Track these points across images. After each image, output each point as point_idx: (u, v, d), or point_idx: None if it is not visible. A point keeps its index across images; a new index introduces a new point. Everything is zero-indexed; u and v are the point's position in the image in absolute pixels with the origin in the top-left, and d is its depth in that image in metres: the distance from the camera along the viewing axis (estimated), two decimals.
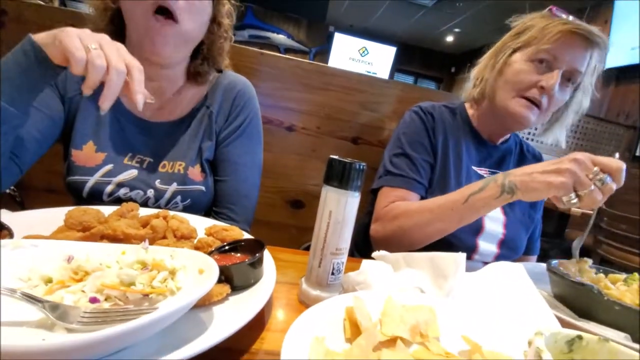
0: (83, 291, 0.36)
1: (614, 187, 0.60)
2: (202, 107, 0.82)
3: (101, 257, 0.40)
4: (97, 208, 0.53)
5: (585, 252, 0.66)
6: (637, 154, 2.90)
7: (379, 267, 0.54)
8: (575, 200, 0.60)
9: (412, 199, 0.85)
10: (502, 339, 0.40)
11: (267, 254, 0.52)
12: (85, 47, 0.49)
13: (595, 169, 0.60)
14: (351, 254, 0.52)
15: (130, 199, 0.73)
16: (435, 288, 0.52)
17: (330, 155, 0.48)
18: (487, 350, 0.38)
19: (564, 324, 0.50)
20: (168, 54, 0.70)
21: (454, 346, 0.40)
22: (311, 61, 1.46)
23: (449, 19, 5.72)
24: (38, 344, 0.25)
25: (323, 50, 6.64)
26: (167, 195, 0.75)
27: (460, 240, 0.80)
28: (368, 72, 6.52)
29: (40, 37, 0.54)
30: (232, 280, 0.44)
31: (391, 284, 0.51)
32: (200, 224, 0.58)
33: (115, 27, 0.73)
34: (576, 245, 0.67)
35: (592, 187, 0.59)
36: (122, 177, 0.74)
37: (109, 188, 0.73)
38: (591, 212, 0.69)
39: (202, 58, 0.80)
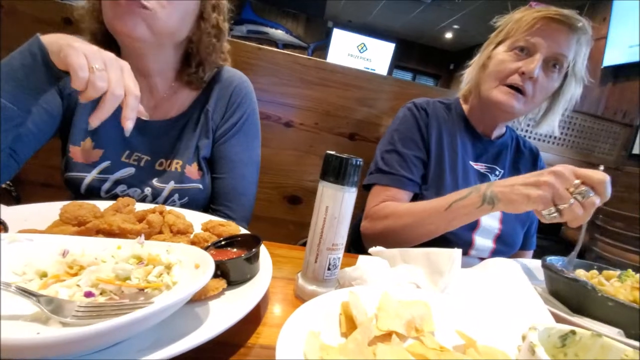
0: (78, 285, 0.36)
1: (597, 201, 0.58)
2: (198, 105, 0.80)
3: (97, 251, 0.40)
4: (92, 202, 0.52)
5: (581, 249, 0.66)
6: (634, 152, 2.92)
7: (375, 262, 0.54)
8: (555, 214, 0.59)
9: (402, 197, 0.86)
10: (497, 334, 0.41)
11: (263, 249, 0.52)
12: (89, 67, 0.49)
13: (576, 181, 0.58)
14: (347, 249, 0.52)
15: (128, 197, 0.73)
16: (431, 283, 0.52)
17: (327, 151, 0.48)
18: (481, 345, 0.38)
19: (558, 319, 0.50)
20: (140, 35, 0.65)
21: (448, 341, 0.40)
22: (309, 57, 1.45)
23: (448, 16, 5.70)
24: (33, 337, 0.25)
25: (321, 46, 6.61)
26: (165, 193, 0.75)
27: (456, 236, 0.81)
28: (366, 68, 6.50)
29: (47, 42, 0.54)
30: (228, 275, 0.44)
31: (387, 279, 0.51)
32: (197, 219, 0.58)
33: (103, 26, 0.71)
34: (571, 260, 0.67)
35: (572, 200, 0.58)
36: (119, 174, 0.73)
37: (106, 185, 0.73)
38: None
39: (195, 65, 0.78)
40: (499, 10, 0.90)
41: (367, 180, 0.92)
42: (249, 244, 0.51)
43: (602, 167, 0.61)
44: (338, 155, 0.46)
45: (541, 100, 0.87)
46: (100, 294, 0.36)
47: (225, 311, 0.38)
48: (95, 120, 0.51)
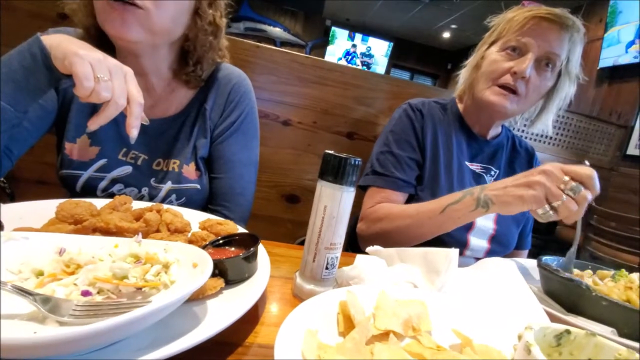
0: (75, 284, 0.35)
1: (589, 195, 0.59)
2: (196, 103, 0.79)
3: (93, 250, 0.40)
4: (89, 201, 0.52)
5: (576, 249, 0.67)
6: (629, 152, 2.95)
7: (372, 262, 0.54)
8: (551, 213, 0.60)
9: (397, 199, 0.87)
10: (493, 333, 0.41)
11: (261, 248, 0.52)
12: (94, 77, 0.50)
13: (566, 178, 0.59)
14: (344, 249, 0.52)
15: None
16: (428, 283, 0.52)
17: (325, 150, 0.48)
18: (477, 344, 0.38)
19: (553, 318, 0.51)
20: (134, 38, 0.64)
21: (445, 340, 0.40)
22: (307, 55, 1.45)
23: (446, 15, 5.71)
24: (29, 337, 0.25)
25: (319, 44, 6.59)
26: (162, 193, 0.74)
27: (451, 236, 0.81)
28: (364, 65, 6.51)
29: (50, 45, 0.53)
30: (226, 274, 0.44)
31: (384, 278, 0.51)
32: (195, 218, 0.58)
33: (97, 21, 0.70)
34: (568, 261, 0.67)
35: (565, 197, 0.58)
36: (116, 173, 0.73)
37: (103, 184, 0.72)
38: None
39: (193, 62, 0.76)
40: (497, 10, 0.90)
41: (362, 181, 0.92)
42: (247, 243, 0.51)
43: (587, 163, 0.62)
44: (337, 154, 0.46)
45: (535, 99, 0.87)
46: (98, 292, 0.36)
47: (223, 310, 0.38)
48: (94, 125, 0.51)
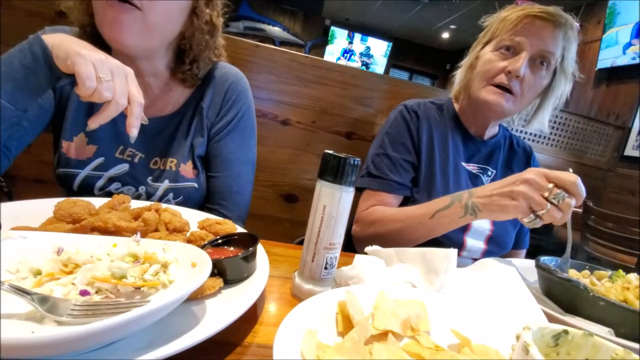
0: (73, 284, 0.35)
1: (573, 202, 0.59)
2: (193, 102, 0.79)
3: (92, 249, 0.40)
4: (87, 200, 0.52)
5: (572, 249, 0.67)
6: (626, 153, 2.96)
7: (371, 261, 0.54)
8: (536, 220, 0.60)
9: (392, 202, 0.87)
10: (491, 333, 0.41)
11: (260, 248, 0.52)
12: (97, 77, 0.50)
13: (550, 185, 0.59)
14: (344, 248, 0.52)
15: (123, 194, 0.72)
16: (427, 283, 0.52)
17: (324, 149, 0.48)
18: (476, 344, 0.38)
19: (551, 318, 0.51)
20: (130, 42, 0.64)
21: (443, 340, 0.41)
22: (306, 55, 1.45)
23: (445, 16, 5.72)
24: (27, 336, 0.25)
25: (318, 44, 6.59)
26: (159, 192, 0.74)
27: (447, 237, 0.81)
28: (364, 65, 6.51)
29: (51, 44, 0.53)
30: (225, 274, 0.44)
31: (383, 278, 0.51)
32: (193, 217, 0.58)
33: (94, 19, 0.70)
34: (563, 263, 0.67)
35: (549, 206, 0.58)
36: (113, 171, 0.73)
37: (100, 182, 0.72)
38: (579, 210, 0.69)
39: (189, 61, 0.76)
40: (495, 10, 0.90)
41: (357, 183, 0.92)
42: (246, 242, 0.51)
43: (570, 170, 0.62)
44: (336, 154, 0.46)
45: (531, 98, 0.87)
46: (96, 292, 0.35)
47: (222, 310, 0.38)
48: (94, 124, 0.52)
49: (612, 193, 2.72)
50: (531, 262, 0.67)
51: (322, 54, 6.64)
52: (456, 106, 0.98)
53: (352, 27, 6.81)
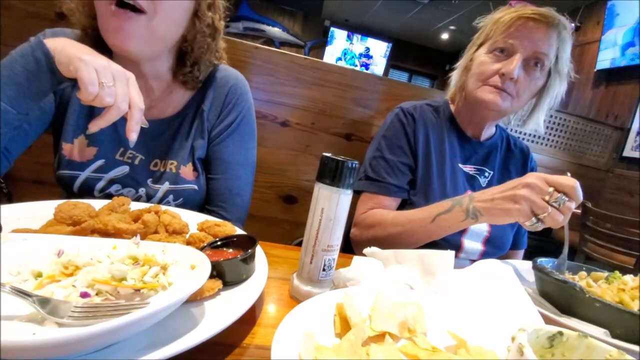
0: (74, 286, 0.36)
1: (573, 205, 0.61)
2: (194, 105, 0.80)
3: (92, 251, 0.40)
4: (87, 202, 0.52)
5: (571, 250, 0.68)
6: (624, 154, 2.97)
7: (369, 263, 0.55)
8: (538, 224, 0.62)
9: (390, 204, 0.87)
10: (487, 335, 0.42)
11: (259, 250, 0.53)
12: (99, 83, 0.51)
13: (550, 189, 0.61)
14: (342, 250, 0.52)
15: (122, 196, 0.73)
16: (424, 284, 0.53)
17: (323, 151, 0.49)
18: (472, 345, 0.39)
19: (548, 320, 0.51)
20: (134, 48, 0.65)
21: (440, 341, 0.41)
22: (306, 56, 1.46)
23: (445, 17, 5.72)
24: (28, 338, 0.26)
25: (318, 45, 6.60)
26: (159, 194, 0.74)
27: (445, 239, 0.82)
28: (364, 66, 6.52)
29: (53, 49, 0.54)
30: (224, 276, 0.44)
31: (381, 280, 0.52)
32: (193, 219, 0.58)
33: (95, 22, 0.70)
34: (561, 262, 0.68)
35: (550, 209, 0.60)
36: (113, 173, 0.73)
37: (100, 184, 0.72)
38: (578, 211, 0.70)
39: (190, 64, 0.76)
40: (491, 12, 0.91)
41: (355, 186, 0.92)
42: (245, 244, 0.51)
43: (569, 174, 0.64)
44: (334, 157, 0.46)
45: (526, 99, 0.87)
46: (96, 294, 0.36)
47: (221, 311, 0.39)
48: (95, 127, 0.53)
49: (610, 194, 2.73)
50: (528, 264, 0.67)
51: (321, 55, 6.65)
52: (452, 108, 0.98)
53: (352, 27, 6.82)
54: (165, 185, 0.75)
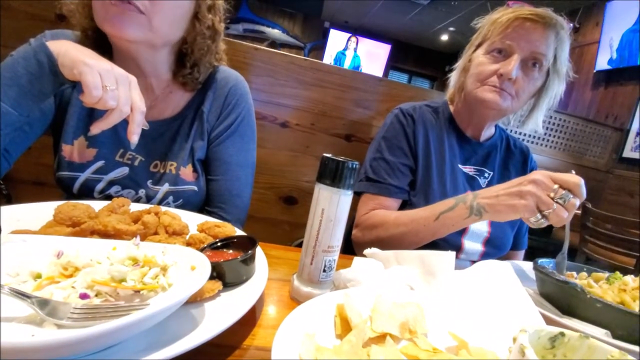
0: (73, 287, 0.36)
1: (577, 202, 0.61)
2: (193, 106, 0.80)
3: (91, 252, 0.40)
4: (87, 203, 0.52)
5: (571, 250, 0.68)
6: (624, 155, 2.97)
7: (369, 264, 0.54)
8: (542, 220, 0.62)
9: (391, 205, 0.87)
10: (488, 336, 0.41)
11: (259, 251, 0.52)
12: (103, 86, 0.52)
13: (555, 186, 0.61)
14: (342, 251, 0.52)
15: (122, 198, 0.73)
16: (425, 285, 0.53)
17: (323, 152, 0.48)
18: (473, 346, 0.39)
19: (549, 320, 0.51)
20: (133, 37, 0.64)
21: (441, 342, 0.41)
22: (306, 57, 1.46)
23: (444, 18, 5.73)
24: (27, 340, 0.25)
25: (318, 46, 6.61)
26: (159, 195, 0.74)
27: (445, 240, 0.82)
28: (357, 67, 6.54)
29: (57, 52, 0.54)
30: (224, 277, 0.44)
31: (381, 281, 0.52)
32: (193, 220, 0.58)
33: (95, 23, 0.70)
34: (561, 263, 0.68)
35: (555, 205, 0.61)
36: (113, 175, 0.73)
37: (100, 185, 0.72)
38: (578, 212, 0.70)
39: (190, 65, 0.76)
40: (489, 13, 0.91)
41: (356, 187, 0.92)
42: (245, 245, 0.51)
43: (573, 172, 0.64)
44: (334, 158, 0.46)
45: (525, 99, 0.87)
46: (96, 295, 0.36)
47: (221, 313, 0.38)
48: (96, 130, 0.54)
49: (610, 194, 2.73)
50: (529, 264, 0.67)
51: (321, 57, 6.66)
52: (451, 108, 0.98)
53: (352, 29, 6.83)
54: (165, 187, 0.74)
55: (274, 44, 6.06)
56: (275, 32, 6.17)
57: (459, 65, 0.94)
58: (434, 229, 0.74)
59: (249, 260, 0.47)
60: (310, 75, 1.45)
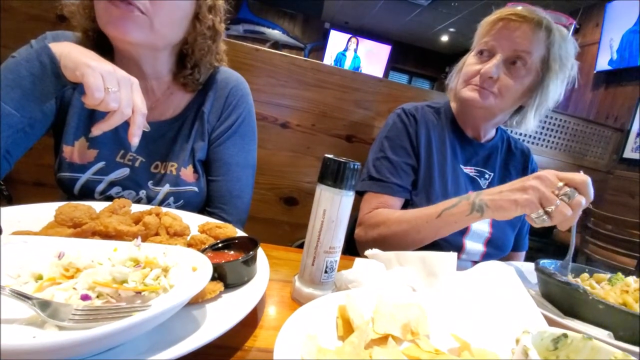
0: (74, 288, 0.35)
1: (583, 201, 0.60)
2: (194, 107, 0.80)
3: (93, 254, 0.40)
4: (88, 204, 0.52)
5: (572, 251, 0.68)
6: (625, 156, 2.97)
7: (371, 265, 0.54)
8: (545, 217, 0.61)
9: (394, 204, 0.87)
10: (491, 337, 0.41)
11: (260, 252, 0.52)
12: (105, 89, 0.52)
13: (560, 184, 0.60)
14: (343, 252, 0.52)
15: (123, 199, 0.72)
16: (427, 286, 0.53)
17: (324, 153, 0.48)
18: (475, 347, 0.38)
19: (551, 322, 0.51)
20: (135, 39, 0.64)
21: (443, 344, 0.41)
22: (306, 58, 1.46)
23: (444, 19, 5.74)
24: (29, 342, 0.25)
25: (318, 47, 6.62)
26: (160, 196, 0.74)
27: (447, 240, 0.81)
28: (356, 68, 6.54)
29: (59, 53, 0.55)
30: (225, 278, 0.44)
31: (383, 282, 0.52)
32: (194, 221, 0.58)
33: (96, 24, 0.70)
34: (565, 264, 0.67)
35: (558, 202, 0.59)
36: (114, 176, 0.73)
37: (101, 186, 0.72)
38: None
39: (191, 66, 0.76)
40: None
41: (358, 187, 0.92)
42: (246, 246, 0.51)
43: (581, 172, 0.63)
44: (336, 159, 0.46)
45: (513, 96, 0.85)
46: (97, 297, 0.36)
47: (223, 314, 0.38)
48: (98, 131, 0.54)
49: (611, 195, 2.72)
50: (531, 266, 0.67)
51: (321, 57, 6.66)
52: (453, 108, 0.99)
53: (352, 30, 6.84)
54: (166, 188, 0.74)
55: (277, 44, 6.07)
56: (275, 33, 6.18)
57: (457, 66, 0.96)
58: (436, 227, 0.74)
59: (251, 261, 0.47)
60: (310, 76, 1.45)
